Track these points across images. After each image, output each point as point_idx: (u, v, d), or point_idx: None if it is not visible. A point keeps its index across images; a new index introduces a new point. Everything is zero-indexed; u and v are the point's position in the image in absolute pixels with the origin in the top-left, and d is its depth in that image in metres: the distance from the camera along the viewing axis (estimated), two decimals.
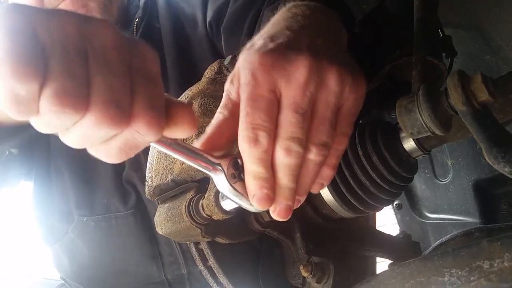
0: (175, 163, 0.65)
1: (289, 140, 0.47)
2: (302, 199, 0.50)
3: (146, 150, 1.15)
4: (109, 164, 1.22)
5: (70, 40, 0.39)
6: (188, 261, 1.22)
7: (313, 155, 0.48)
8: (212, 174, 0.49)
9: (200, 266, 0.68)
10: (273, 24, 0.56)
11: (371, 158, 0.63)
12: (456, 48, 0.78)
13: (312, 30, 0.53)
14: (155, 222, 0.70)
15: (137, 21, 1.21)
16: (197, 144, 0.49)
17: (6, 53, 0.35)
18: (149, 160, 0.73)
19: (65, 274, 1.39)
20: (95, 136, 0.42)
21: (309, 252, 0.67)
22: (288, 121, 0.47)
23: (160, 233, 0.68)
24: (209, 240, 0.63)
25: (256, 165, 0.47)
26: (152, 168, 0.72)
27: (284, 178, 0.48)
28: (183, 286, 1.28)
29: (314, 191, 0.52)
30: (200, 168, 0.48)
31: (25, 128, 0.70)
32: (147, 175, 0.73)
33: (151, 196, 0.71)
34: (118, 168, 1.21)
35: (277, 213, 0.49)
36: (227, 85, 0.50)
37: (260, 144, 0.46)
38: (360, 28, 0.85)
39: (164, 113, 0.44)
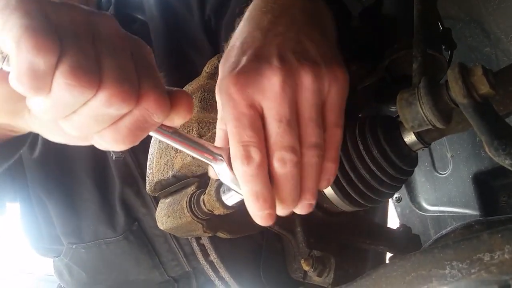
0: (176, 158, 0.65)
1: (281, 151, 0.47)
2: (313, 201, 0.50)
3: (139, 162, 1.13)
4: (93, 187, 1.20)
5: (79, 25, 0.41)
6: (191, 261, 1.20)
7: (308, 158, 0.48)
8: (213, 164, 0.49)
9: (202, 261, 0.68)
10: (246, 22, 0.55)
11: (372, 152, 0.63)
12: (455, 40, 0.78)
13: (286, 20, 0.53)
14: (156, 218, 0.70)
15: None
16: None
17: (25, 29, 0.37)
18: (149, 156, 0.73)
19: (68, 286, 1.37)
20: (105, 115, 0.43)
21: (310, 246, 0.67)
22: (275, 132, 0.47)
23: (161, 228, 0.68)
24: (210, 235, 0.63)
25: (253, 183, 0.47)
26: (153, 163, 0.72)
27: (285, 188, 0.48)
28: (189, 281, 1.27)
29: (323, 188, 0.52)
30: (201, 158, 0.49)
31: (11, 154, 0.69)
32: (147, 170, 0.73)
33: (152, 191, 0.71)
34: (104, 191, 1.16)
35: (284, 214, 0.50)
36: (217, 97, 0.51)
37: (253, 160, 0.47)
38: (359, 22, 0.85)
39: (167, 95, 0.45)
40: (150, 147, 0.74)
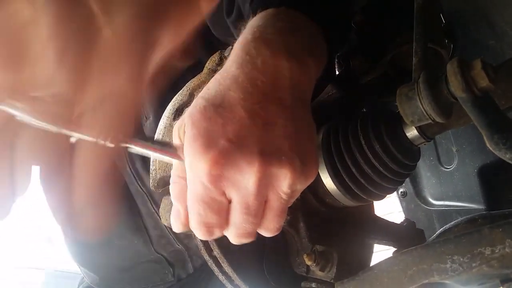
0: None
1: (240, 236, 0.51)
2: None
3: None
4: None
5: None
6: (178, 236, 1.21)
7: (265, 234, 0.53)
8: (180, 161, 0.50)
9: (205, 256, 0.69)
10: (233, 78, 0.49)
11: (374, 146, 0.63)
12: (460, 33, 0.77)
13: (275, 105, 0.49)
14: (160, 214, 0.71)
15: None
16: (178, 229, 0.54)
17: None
18: None
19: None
20: None
21: (312, 241, 0.67)
22: (239, 220, 0.49)
23: (165, 224, 0.69)
24: None
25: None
26: (156, 160, 0.72)
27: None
28: (184, 264, 1.28)
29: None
30: (168, 158, 0.50)
31: None
32: (151, 167, 0.73)
33: (155, 187, 0.71)
34: None
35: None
36: (186, 152, 0.48)
37: (214, 235, 0.51)
38: (362, 16, 0.85)
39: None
40: None
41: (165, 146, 0.50)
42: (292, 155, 0.48)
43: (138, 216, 1.22)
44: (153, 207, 1.20)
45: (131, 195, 1.21)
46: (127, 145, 0.44)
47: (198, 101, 0.48)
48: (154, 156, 0.49)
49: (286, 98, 0.49)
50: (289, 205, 0.53)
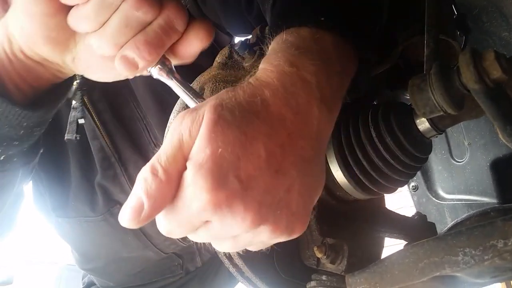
0: None
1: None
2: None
3: (117, 148, 1.12)
4: (77, 165, 1.17)
5: None
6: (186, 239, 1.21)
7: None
8: None
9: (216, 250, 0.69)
10: (255, 98, 0.46)
11: (385, 139, 0.63)
12: (472, 25, 0.77)
13: (294, 157, 0.46)
14: None
15: None
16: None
17: None
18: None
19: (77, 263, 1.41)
20: (134, 20, 0.52)
21: (323, 234, 0.67)
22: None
23: None
24: None
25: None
26: None
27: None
28: (193, 256, 1.29)
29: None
30: (191, 103, 0.54)
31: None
32: None
33: None
34: (88, 173, 1.17)
35: None
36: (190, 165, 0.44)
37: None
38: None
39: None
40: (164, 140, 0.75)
41: (197, 97, 0.54)
42: (290, 211, 0.45)
43: (145, 238, 1.21)
44: None
45: None
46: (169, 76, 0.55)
47: (222, 109, 0.44)
48: (183, 97, 0.54)
49: (307, 149, 0.46)
50: None
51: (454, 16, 0.75)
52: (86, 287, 1.48)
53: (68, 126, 1.05)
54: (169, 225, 0.45)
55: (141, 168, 0.44)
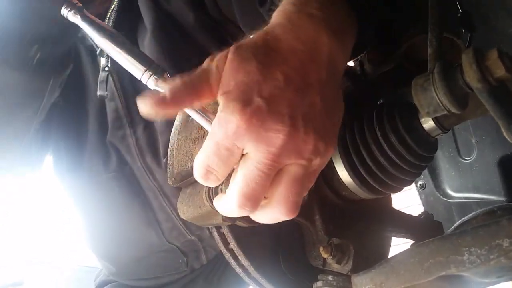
0: (194, 149, 0.67)
1: (241, 198, 0.48)
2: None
3: (128, 104, 1.20)
4: (96, 124, 1.26)
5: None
6: (190, 227, 1.23)
7: (278, 213, 0.51)
8: None
9: (222, 249, 0.70)
10: (268, 35, 0.53)
11: (390, 138, 0.63)
12: (478, 22, 0.76)
13: (313, 72, 0.51)
14: (178, 208, 0.72)
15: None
16: None
17: None
18: (169, 148, 0.75)
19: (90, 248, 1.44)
20: None
21: (329, 234, 0.67)
22: (249, 177, 0.48)
23: (183, 218, 0.70)
24: (229, 224, 0.64)
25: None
26: (173, 155, 0.73)
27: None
28: (198, 254, 1.30)
29: None
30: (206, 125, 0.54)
31: None
32: (168, 162, 0.74)
33: (173, 182, 0.73)
34: (101, 132, 1.24)
35: None
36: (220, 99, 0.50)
37: (208, 182, 0.51)
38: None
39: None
40: (170, 139, 0.76)
41: (208, 117, 0.54)
42: (318, 124, 0.49)
43: (150, 211, 1.24)
44: (165, 201, 1.23)
45: (143, 190, 1.24)
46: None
47: (241, 49, 0.50)
48: (194, 117, 0.53)
49: (322, 72, 0.51)
50: (306, 189, 0.52)
51: (459, 14, 0.74)
52: (98, 287, 1.49)
53: (98, 85, 1.15)
54: (206, 151, 0.49)
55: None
